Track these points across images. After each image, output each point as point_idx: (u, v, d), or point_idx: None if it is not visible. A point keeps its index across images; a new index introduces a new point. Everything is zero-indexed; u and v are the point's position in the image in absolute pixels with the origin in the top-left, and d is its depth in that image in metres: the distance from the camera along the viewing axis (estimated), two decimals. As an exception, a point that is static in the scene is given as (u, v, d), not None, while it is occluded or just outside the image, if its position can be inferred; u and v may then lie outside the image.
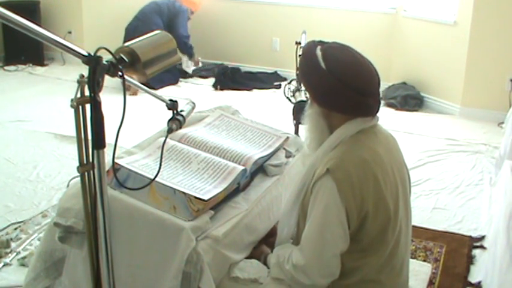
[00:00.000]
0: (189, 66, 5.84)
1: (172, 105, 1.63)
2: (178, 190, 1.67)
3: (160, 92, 5.06)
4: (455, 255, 2.68)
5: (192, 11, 5.80)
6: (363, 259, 1.63)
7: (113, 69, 1.24)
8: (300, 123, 2.47)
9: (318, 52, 1.62)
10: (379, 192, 1.58)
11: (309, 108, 1.71)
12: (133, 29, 5.26)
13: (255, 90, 5.56)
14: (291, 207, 1.73)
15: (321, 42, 1.68)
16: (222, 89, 5.53)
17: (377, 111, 1.66)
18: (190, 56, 5.82)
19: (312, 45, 1.67)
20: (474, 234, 2.88)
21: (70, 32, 6.06)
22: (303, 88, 2.45)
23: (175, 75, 5.62)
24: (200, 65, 5.94)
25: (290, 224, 1.75)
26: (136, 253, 1.67)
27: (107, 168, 1.29)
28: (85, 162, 1.38)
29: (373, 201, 1.57)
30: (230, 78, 5.71)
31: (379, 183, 1.59)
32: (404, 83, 5.29)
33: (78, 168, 1.38)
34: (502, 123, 4.21)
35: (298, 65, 1.71)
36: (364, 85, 1.59)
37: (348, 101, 1.59)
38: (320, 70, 1.59)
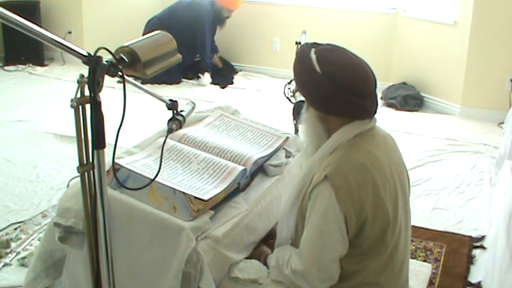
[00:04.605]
0: (204, 83, 5.63)
1: (172, 105, 1.63)
2: (178, 190, 1.67)
3: (160, 92, 5.05)
4: (455, 255, 2.67)
5: (230, 9, 5.62)
6: (362, 262, 1.62)
7: (113, 69, 1.24)
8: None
9: (313, 55, 1.59)
10: (377, 197, 1.57)
11: (306, 112, 1.68)
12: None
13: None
14: (289, 210, 1.72)
15: (314, 44, 1.65)
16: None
17: (374, 113, 1.63)
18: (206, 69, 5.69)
19: (305, 49, 1.64)
20: (474, 234, 2.88)
21: (70, 32, 6.05)
22: None
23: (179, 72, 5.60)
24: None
25: (289, 227, 1.74)
26: (136, 253, 1.67)
27: (107, 168, 1.30)
28: (85, 162, 1.38)
29: (372, 206, 1.56)
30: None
31: (378, 188, 1.57)
32: (404, 83, 5.28)
33: (78, 168, 1.38)
34: (502, 123, 4.21)
35: (293, 69, 1.68)
36: (361, 87, 1.56)
37: (344, 104, 1.56)
38: (315, 74, 1.56)
